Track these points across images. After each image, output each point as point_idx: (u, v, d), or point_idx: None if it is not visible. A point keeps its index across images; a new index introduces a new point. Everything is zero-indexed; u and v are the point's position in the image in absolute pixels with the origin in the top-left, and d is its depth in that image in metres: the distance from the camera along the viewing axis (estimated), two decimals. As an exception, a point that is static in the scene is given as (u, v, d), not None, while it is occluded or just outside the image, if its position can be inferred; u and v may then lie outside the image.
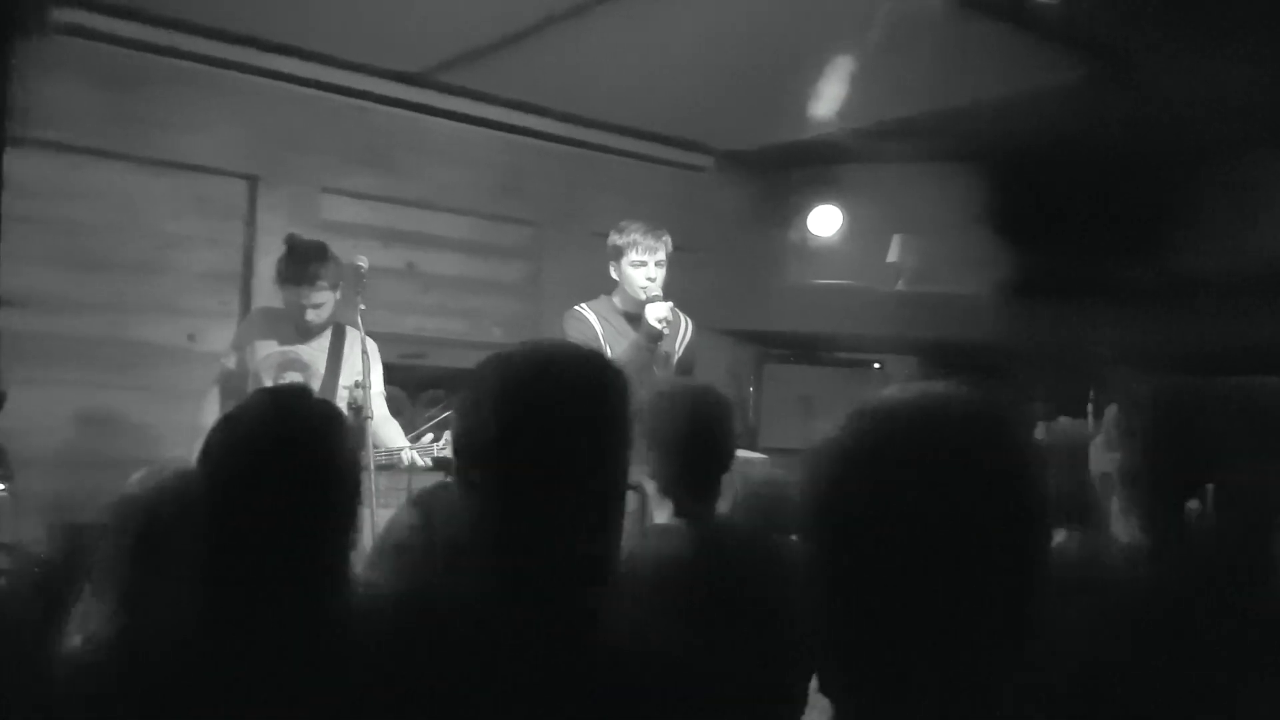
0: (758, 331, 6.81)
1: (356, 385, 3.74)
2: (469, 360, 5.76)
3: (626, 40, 5.02)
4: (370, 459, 3.60)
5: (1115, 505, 1.94)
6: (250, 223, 5.22)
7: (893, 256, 6.43)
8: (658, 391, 2.59)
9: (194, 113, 5.03)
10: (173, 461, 2.06)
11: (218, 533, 1.55)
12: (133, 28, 4.77)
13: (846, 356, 6.87)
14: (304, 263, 3.97)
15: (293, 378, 3.81)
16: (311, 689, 1.45)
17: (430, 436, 3.99)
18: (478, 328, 6.10)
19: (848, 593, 1.04)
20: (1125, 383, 2.16)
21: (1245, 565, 1.85)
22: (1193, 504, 1.82)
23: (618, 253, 4.06)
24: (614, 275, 4.10)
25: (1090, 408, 4.33)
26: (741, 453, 3.23)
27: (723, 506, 2.58)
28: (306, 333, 4.02)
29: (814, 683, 1.12)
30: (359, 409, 3.69)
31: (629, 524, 1.57)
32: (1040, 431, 3.80)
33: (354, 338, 4.02)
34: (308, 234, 4.40)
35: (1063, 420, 4.34)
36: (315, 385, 3.91)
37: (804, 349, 6.97)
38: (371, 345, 3.98)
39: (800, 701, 1.31)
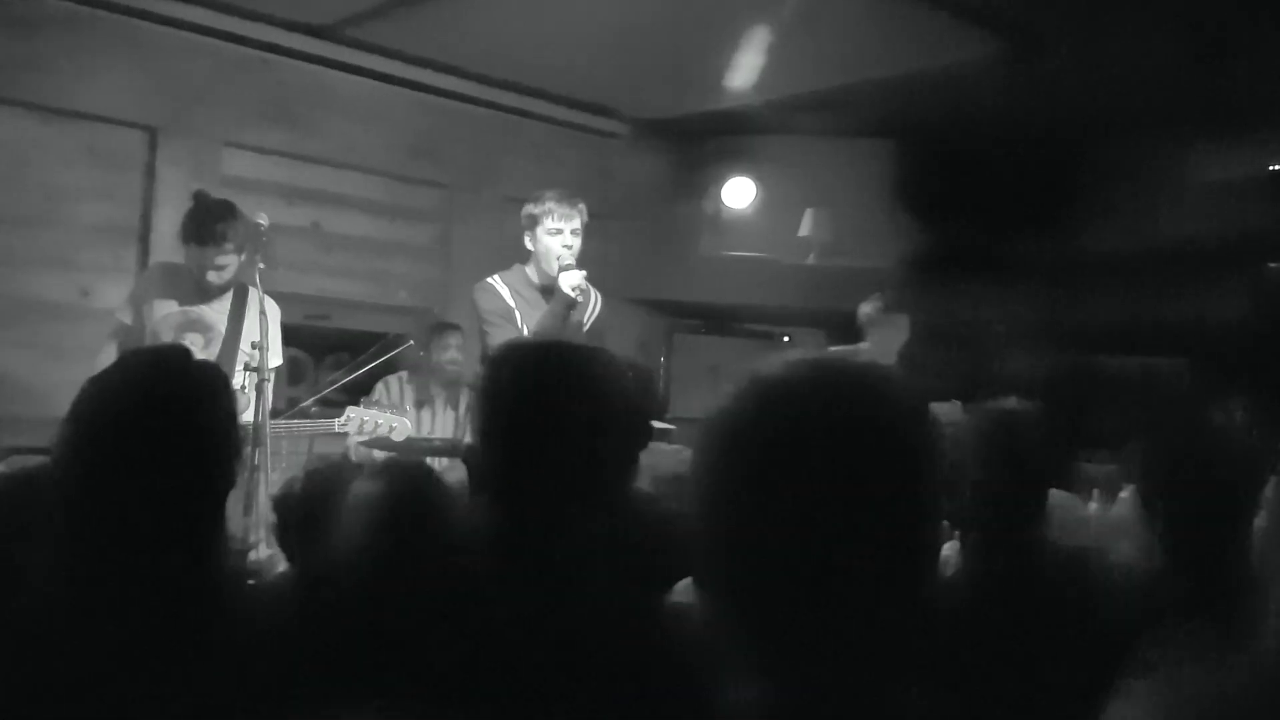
0: (669, 301, 6.80)
1: (254, 346, 3.63)
2: (374, 323, 5.66)
3: (546, 4, 4.95)
4: (267, 422, 3.51)
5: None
6: (149, 175, 5.04)
7: (805, 230, 6.46)
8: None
9: (90, 59, 4.84)
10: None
11: (83, 498, 1.48)
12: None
13: (756, 328, 6.90)
14: (210, 222, 3.82)
15: (193, 338, 3.69)
16: (187, 663, 1.40)
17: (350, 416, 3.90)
18: (384, 290, 6.00)
19: (738, 557, 1.03)
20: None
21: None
22: None
23: (533, 221, 3.99)
24: (529, 245, 4.04)
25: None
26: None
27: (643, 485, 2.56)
28: (207, 293, 3.89)
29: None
30: (256, 370, 3.59)
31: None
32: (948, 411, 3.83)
33: (255, 298, 3.90)
34: (209, 189, 4.26)
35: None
36: (216, 347, 3.80)
37: (714, 320, 6.98)
38: (272, 306, 3.87)
39: None
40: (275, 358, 3.76)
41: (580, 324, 3.99)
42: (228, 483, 1.56)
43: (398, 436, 3.84)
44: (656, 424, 3.55)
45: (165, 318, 3.83)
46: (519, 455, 1.56)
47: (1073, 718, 1.42)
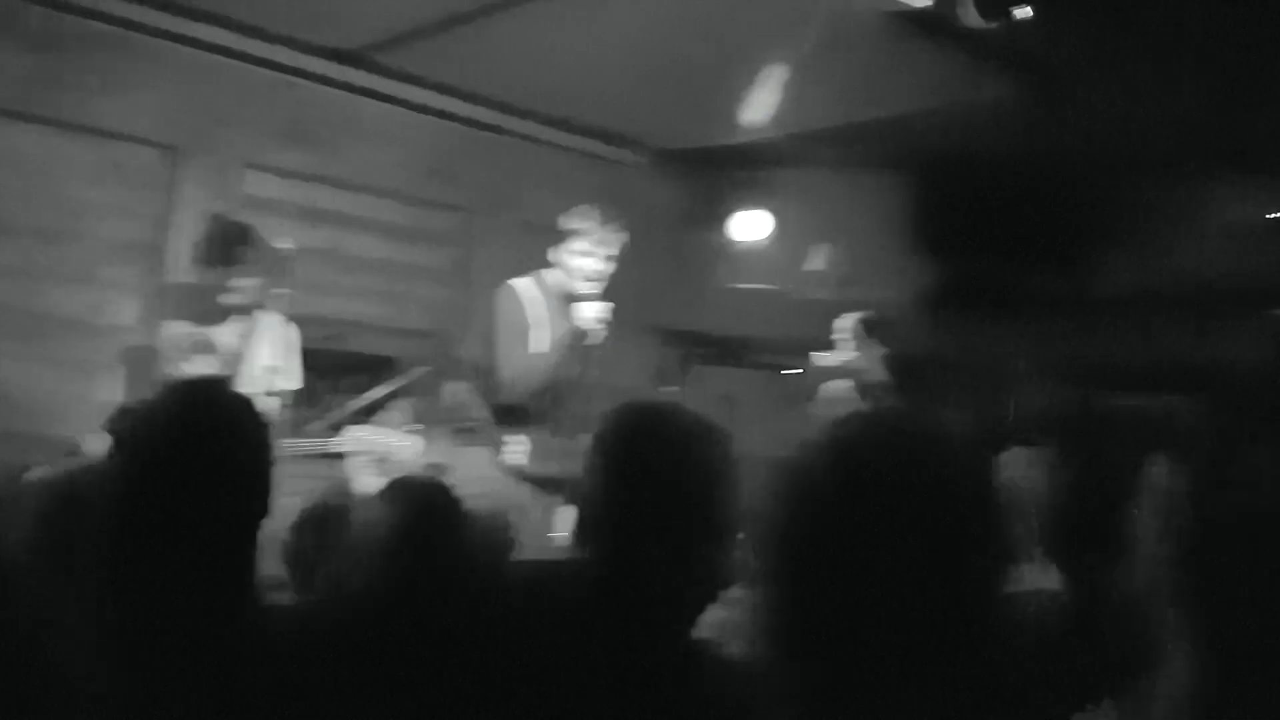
0: (683, 331, 6.81)
1: (273, 370, 3.65)
2: (391, 346, 5.63)
3: (567, 33, 4.98)
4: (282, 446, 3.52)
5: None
6: (169, 194, 5.08)
7: (820, 263, 6.47)
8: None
9: (114, 78, 4.88)
10: (77, 459, 2.00)
11: (128, 526, 1.50)
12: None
13: (768, 360, 6.90)
14: (226, 245, 3.84)
15: (203, 360, 3.71)
16: (223, 685, 1.41)
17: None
18: (402, 313, 6.02)
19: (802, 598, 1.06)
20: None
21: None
22: None
23: (569, 237, 3.95)
24: (558, 257, 3.98)
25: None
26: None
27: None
28: (220, 315, 3.91)
29: None
30: (274, 395, 3.61)
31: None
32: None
33: (271, 322, 3.92)
34: (229, 209, 4.29)
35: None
36: (226, 369, 3.81)
37: (727, 351, 6.99)
38: (292, 330, 3.89)
39: None
40: (294, 381, 3.78)
41: (589, 353, 3.93)
42: (262, 511, 1.58)
43: (398, 457, 3.85)
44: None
45: (175, 338, 3.86)
46: (638, 514, 1.59)
47: None
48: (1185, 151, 4.85)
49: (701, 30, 4.82)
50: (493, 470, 3.77)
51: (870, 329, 4.92)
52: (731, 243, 6.76)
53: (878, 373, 4.89)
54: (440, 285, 6.18)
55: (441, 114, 5.95)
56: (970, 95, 4.98)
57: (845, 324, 4.99)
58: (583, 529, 1.63)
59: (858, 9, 4.20)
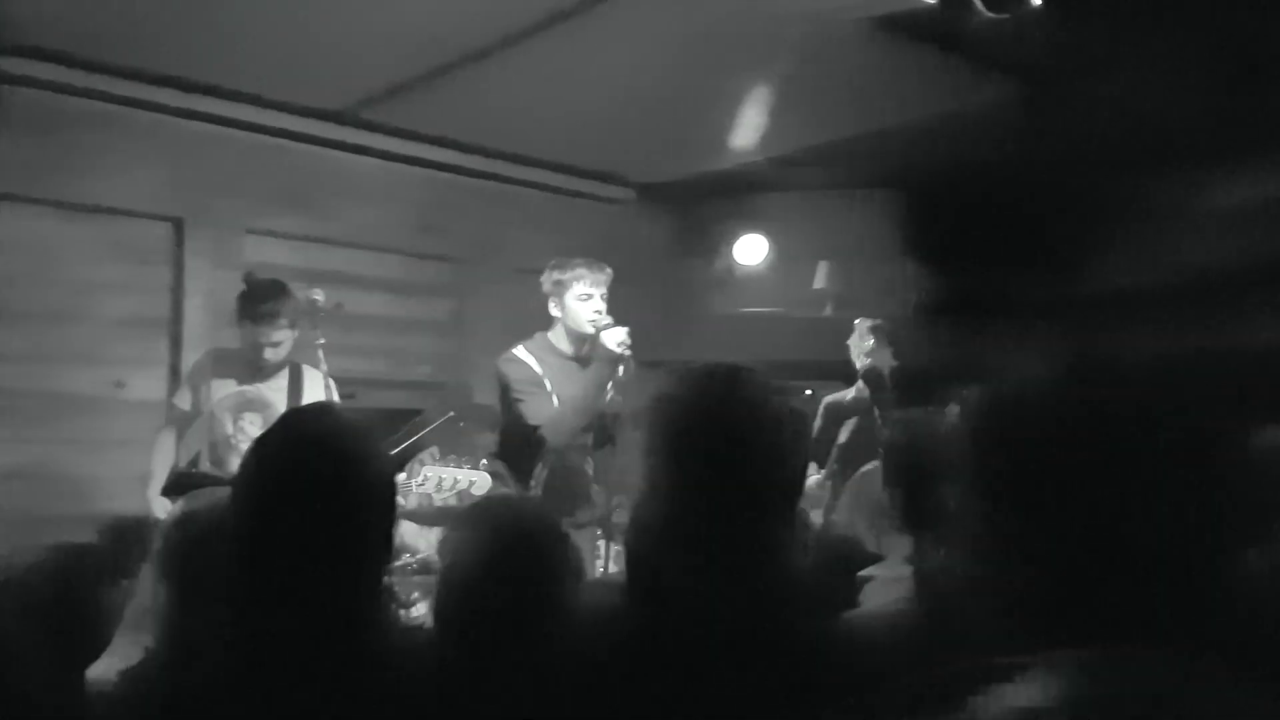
0: (688, 362, 6.82)
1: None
2: (397, 400, 5.66)
3: (543, 76, 5.04)
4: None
5: None
6: (176, 266, 5.10)
7: (819, 283, 6.52)
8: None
9: (113, 156, 4.90)
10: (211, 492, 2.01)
11: (257, 558, 1.51)
12: (46, 69, 4.64)
13: (777, 383, 6.92)
14: (263, 300, 3.91)
15: (251, 418, 3.73)
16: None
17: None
18: (404, 366, 6.04)
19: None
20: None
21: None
22: None
23: (560, 288, 4.04)
24: (554, 312, 4.08)
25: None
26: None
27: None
28: (263, 372, 3.95)
29: None
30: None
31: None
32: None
33: (311, 375, 3.96)
34: (232, 276, 4.32)
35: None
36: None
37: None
38: (331, 381, 3.94)
39: None
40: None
41: (619, 382, 4.02)
42: (389, 536, 1.59)
43: (478, 490, 3.88)
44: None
45: (223, 399, 3.88)
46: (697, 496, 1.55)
47: None
48: (1190, 135, 4.92)
49: (677, 60, 4.88)
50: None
51: (882, 336, 4.97)
52: (728, 269, 6.81)
53: (883, 383, 4.94)
54: (438, 336, 6.21)
55: (430, 164, 5.99)
56: (963, 102, 5.05)
57: (861, 328, 5.04)
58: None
59: (842, 19, 4.25)
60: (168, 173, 5.07)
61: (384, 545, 1.59)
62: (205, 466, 3.75)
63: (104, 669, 1.74)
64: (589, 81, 5.12)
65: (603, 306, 4.02)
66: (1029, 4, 3.65)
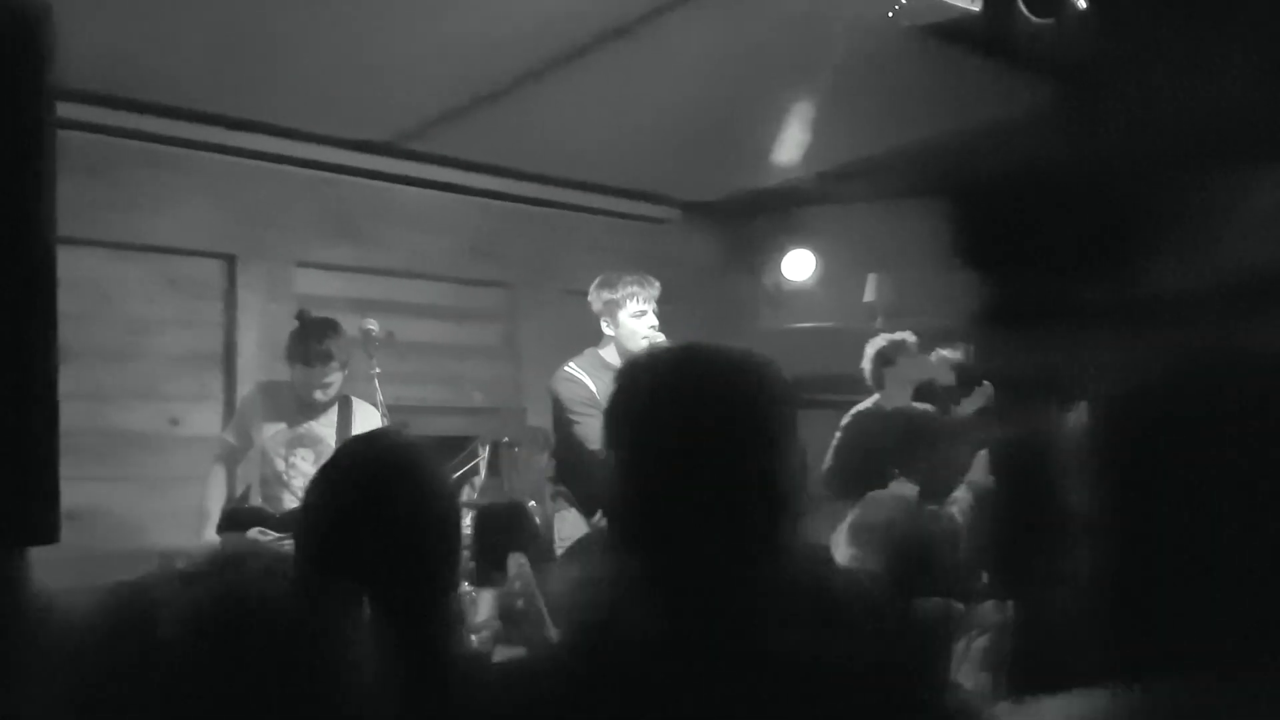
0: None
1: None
2: (451, 427, 5.66)
3: (588, 100, 5.06)
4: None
5: None
6: (229, 301, 5.16)
7: (869, 295, 6.47)
8: None
9: (165, 194, 4.98)
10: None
11: (325, 579, 1.52)
12: (98, 113, 4.72)
13: (831, 398, 6.87)
14: (316, 340, 3.91)
15: (304, 454, 3.76)
16: None
17: None
18: (458, 393, 6.05)
19: None
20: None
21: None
22: None
23: (614, 306, 4.03)
24: (607, 330, 4.07)
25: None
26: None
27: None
28: (313, 409, 3.96)
29: None
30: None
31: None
32: None
33: (360, 408, 3.98)
34: (283, 309, 4.36)
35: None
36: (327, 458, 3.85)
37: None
38: (385, 411, 3.95)
39: None
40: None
41: None
42: (456, 560, 1.59)
43: None
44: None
45: (275, 435, 3.90)
46: (670, 485, 1.35)
47: None
48: (1239, 132, 4.83)
49: (722, 79, 4.87)
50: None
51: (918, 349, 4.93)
52: (776, 285, 6.78)
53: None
54: (492, 361, 6.23)
55: (477, 192, 6.04)
56: (1010, 108, 4.99)
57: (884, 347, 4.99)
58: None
59: (886, 30, 4.22)
60: (219, 209, 5.14)
61: (452, 570, 1.59)
62: (256, 502, 3.78)
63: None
64: (632, 104, 5.14)
65: (655, 322, 4.02)
66: (1074, 6, 3.60)
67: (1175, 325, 5.99)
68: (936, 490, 3.61)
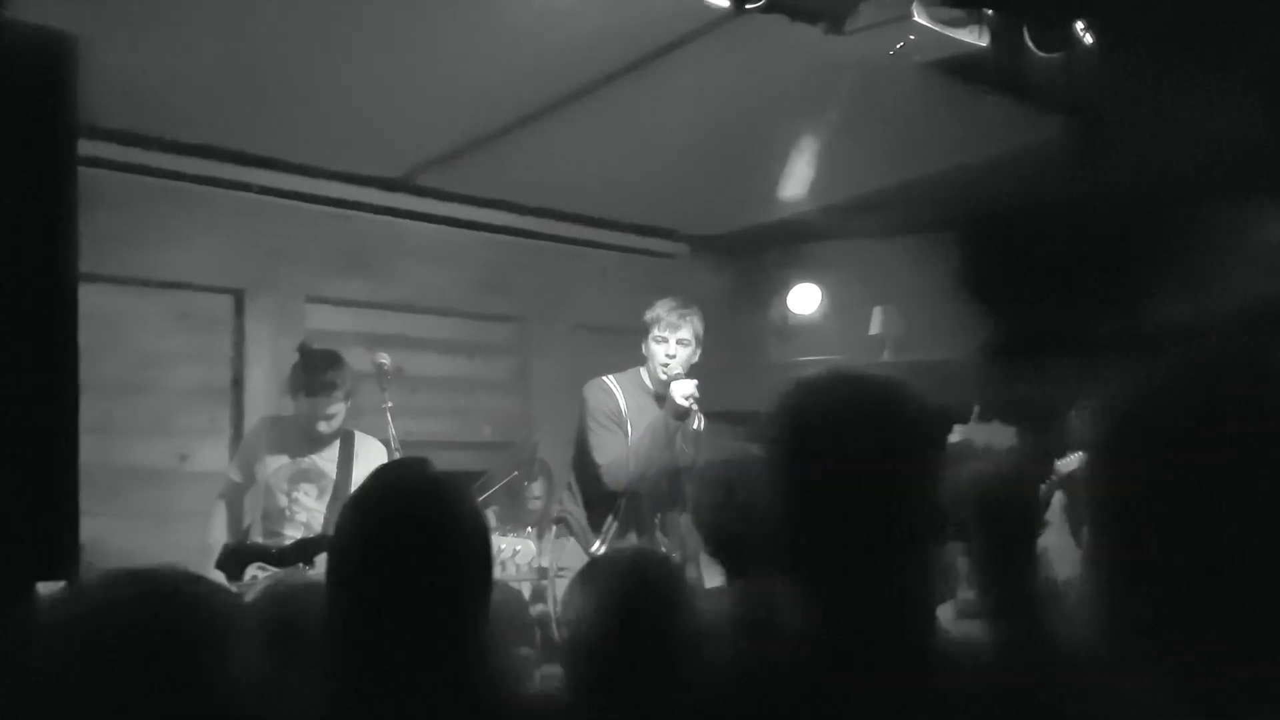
0: (748, 412, 6.79)
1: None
2: (461, 462, 5.66)
3: (596, 136, 5.09)
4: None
5: None
6: (239, 336, 5.17)
7: (875, 329, 6.48)
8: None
9: (175, 229, 5.00)
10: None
11: (358, 615, 1.52)
12: (108, 148, 4.75)
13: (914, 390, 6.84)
14: (319, 372, 3.92)
15: (307, 489, 3.76)
16: None
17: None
18: (468, 427, 6.06)
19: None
20: None
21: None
22: None
23: (645, 328, 4.10)
24: (644, 351, 4.14)
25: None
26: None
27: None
28: (316, 442, 3.96)
29: None
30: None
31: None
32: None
33: (364, 443, 3.98)
34: (294, 344, 4.36)
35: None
36: (328, 495, 3.85)
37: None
38: (396, 445, 3.95)
39: None
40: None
41: (689, 435, 4.02)
42: (486, 586, 1.58)
43: (522, 560, 3.87)
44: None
45: (278, 470, 3.90)
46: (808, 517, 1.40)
47: None
48: (1245, 165, 4.85)
49: (728, 114, 4.89)
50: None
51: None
52: (783, 319, 6.79)
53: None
54: (502, 395, 6.24)
55: (487, 227, 6.06)
56: (1016, 142, 5.02)
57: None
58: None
59: (893, 65, 4.24)
60: (231, 245, 5.16)
61: (484, 598, 1.58)
62: (257, 539, 3.78)
63: None
64: (640, 140, 5.16)
65: (678, 352, 4.02)
66: (1080, 42, 3.63)
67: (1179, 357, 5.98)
68: None
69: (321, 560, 2.46)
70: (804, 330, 6.74)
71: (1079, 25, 3.63)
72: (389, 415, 3.85)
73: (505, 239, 6.15)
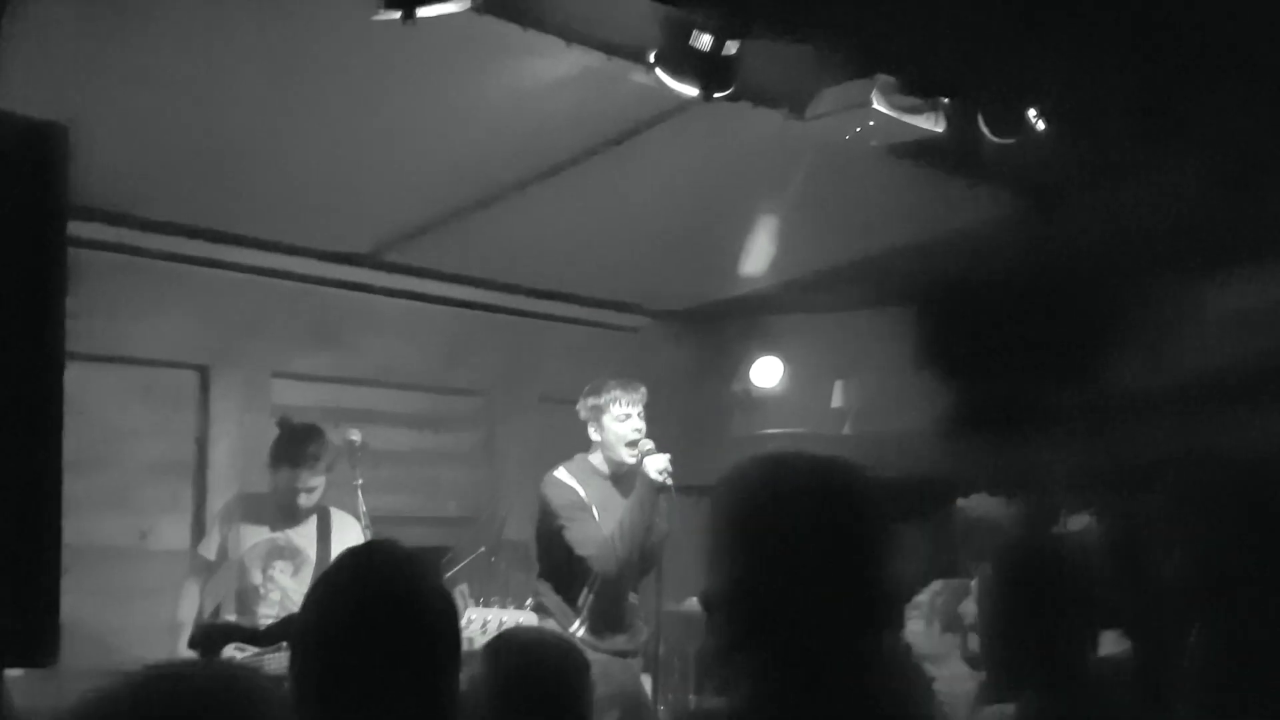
0: (711, 486, 6.81)
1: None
2: (428, 537, 5.65)
3: (561, 213, 5.17)
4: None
5: None
6: (202, 413, 5.15)
7: (837, 401, 6.55)
8: None
9: (141, 305, 4.99)
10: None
11: (328, 696, 1.52)
12: (73, 225, 4.74)
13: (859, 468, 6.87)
14: (301, 444, 3.94)
15: (283, 566, 3.74)
16: None
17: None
18: (433, 501, 6.04)
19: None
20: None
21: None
22: None
23: (597, 412, 4.11)
24: (594, 436, 4.13)
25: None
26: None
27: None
28: (294, 517, 3.95)
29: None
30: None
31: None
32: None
33: (339, 519, 3.97)
34: (260, 419, 4.36)
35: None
36: (306, 572, 3.84)
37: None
38: (368, 522, 3.94)
39: None
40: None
41: (662, 508, 4.04)
42: (455, 666, 1.59)
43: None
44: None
45: (253, 547, 3.88)
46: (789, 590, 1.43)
47: None
48: (1199, 239, 4.99)
49: (691, 193, 5.00)
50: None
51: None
52: (746, 392, 6.85)
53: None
54: (467, 468, 6.23)
55: (452, 302, 6.10)
56: (972, 219, 5.14)
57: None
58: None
59: (852, 148, 4.35)
60: (196, 320, 5.16)
61: (453, 678, 1.60)
62: (230, 617, 3.74)
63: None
64: (603, 217, 5.25)
65: (641, 425, 4.07)
66: (1032, 128, 3.76)
67: (1138, 427, 6.11)
68: None
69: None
70: (766, 403, 6.80)
71: (1031, 112, 3.76)
72: (359, 492, 3.85)
73: (468, 313, 6.19)
